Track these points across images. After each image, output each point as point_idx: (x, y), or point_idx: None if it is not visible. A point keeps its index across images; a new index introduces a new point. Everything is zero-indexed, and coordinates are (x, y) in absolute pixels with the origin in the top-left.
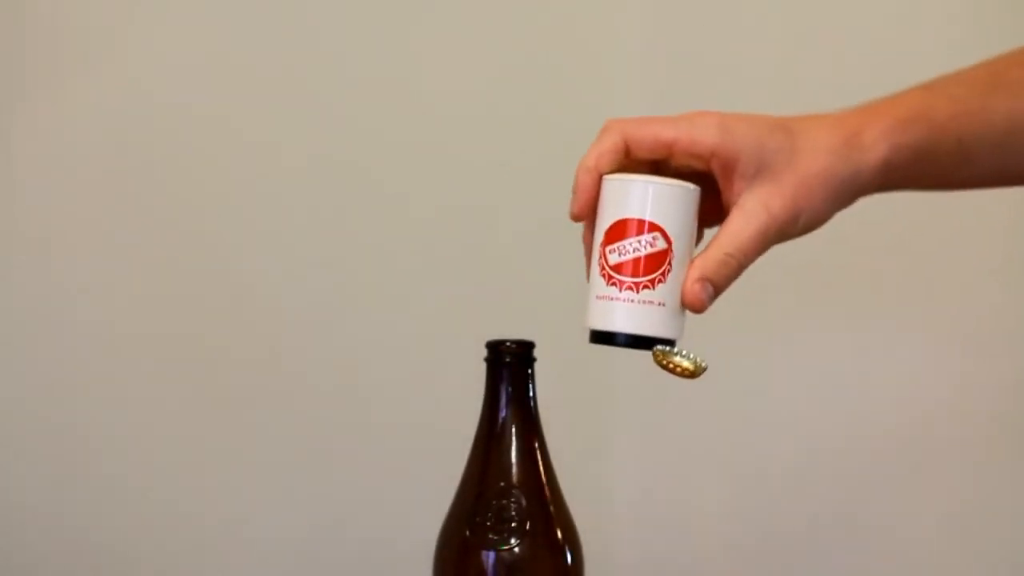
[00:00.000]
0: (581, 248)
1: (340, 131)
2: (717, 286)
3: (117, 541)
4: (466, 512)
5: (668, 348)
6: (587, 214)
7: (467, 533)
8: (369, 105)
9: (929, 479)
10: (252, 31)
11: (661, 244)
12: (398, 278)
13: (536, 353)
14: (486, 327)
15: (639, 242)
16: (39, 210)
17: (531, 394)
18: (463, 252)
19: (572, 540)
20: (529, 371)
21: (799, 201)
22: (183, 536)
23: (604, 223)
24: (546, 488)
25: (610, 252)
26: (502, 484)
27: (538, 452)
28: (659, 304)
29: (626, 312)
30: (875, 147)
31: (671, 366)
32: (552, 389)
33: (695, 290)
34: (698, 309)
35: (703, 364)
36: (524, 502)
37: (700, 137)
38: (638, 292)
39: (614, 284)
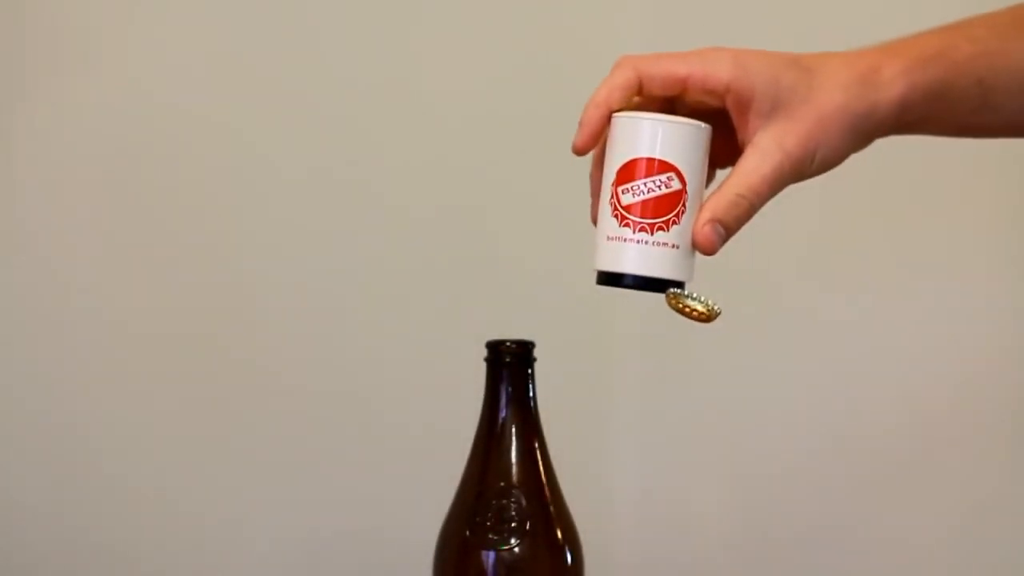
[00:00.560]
0: (581, 250)
1: (340, 131)
2: (729, 228)
3: (117, 541)
4: (466, 512)
5: (680, 291)
6: (591, 148)
7: (467, 533)
8: (369, 105)
9: (931, 478)
10: (252, 31)
11: (676, 184)
12: (398, 278)
13: (536, 353)
14: (487, 327)
15: (654, 182)
16: (39, 211)
17: (531, 394)
18: (464, 252)
19: (572, 540)
20: (529, 371)
21: (815, 138)
22: (183, 536)
23: (616, 162)
24: (546, 488)
25: (623, 192)
26: (502, 484)
27: (538, 452)
28: (672, 246)
29: (638, 253)
30: (892, 84)
31: (686, 310)
32: (552, 389)
33: (706, 232)
34: (709, 251)
35: (716, 308)
36: (524, 502)
37: (714, 72)
38: (652, 233)
39: (627, 225)
